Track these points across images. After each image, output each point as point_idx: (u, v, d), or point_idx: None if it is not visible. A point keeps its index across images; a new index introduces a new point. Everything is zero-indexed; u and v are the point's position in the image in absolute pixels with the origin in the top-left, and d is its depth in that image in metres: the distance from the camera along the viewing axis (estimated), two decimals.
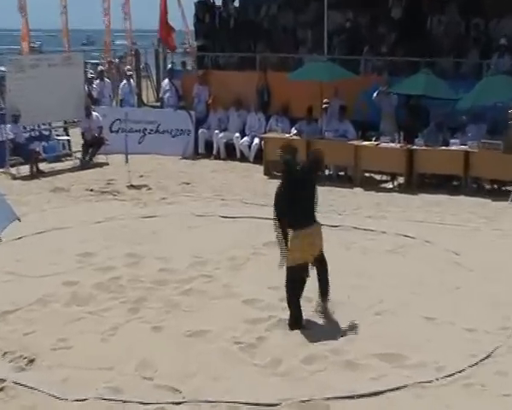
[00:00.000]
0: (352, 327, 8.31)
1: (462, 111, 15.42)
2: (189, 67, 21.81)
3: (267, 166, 16.68)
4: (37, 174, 16.51)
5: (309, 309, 8.82)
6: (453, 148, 15.00)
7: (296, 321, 8.28)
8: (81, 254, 10.79)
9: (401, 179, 15.60)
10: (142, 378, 7.22)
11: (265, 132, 17.55)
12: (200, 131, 18.67)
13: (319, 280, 8.60)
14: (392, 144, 15.72)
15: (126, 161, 15.88)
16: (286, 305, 8.89)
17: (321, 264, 8.54)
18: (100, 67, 23.05)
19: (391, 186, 15.68)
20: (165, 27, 20.64)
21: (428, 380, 7.09)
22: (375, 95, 16.47)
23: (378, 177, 16.23)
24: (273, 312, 8.68)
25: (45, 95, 17.28)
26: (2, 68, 20.65)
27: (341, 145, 15.93)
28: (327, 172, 16.74)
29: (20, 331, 8.25)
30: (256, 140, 17.85)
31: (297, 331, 8.23)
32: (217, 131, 18.49)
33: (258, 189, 15.34)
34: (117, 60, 26.29)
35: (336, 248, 11.12)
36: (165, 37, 20.92)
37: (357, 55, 18.39)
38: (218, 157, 18.38)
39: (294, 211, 8.16)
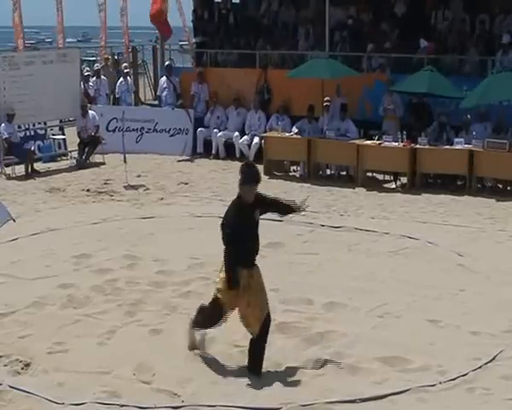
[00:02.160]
0: (354, 331, 8.18)
1: (466, 109, 15.27)
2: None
3: (267, 165, 16.55)
4: (32, 174, 16.36)
5: (309, 311, 8.71)
6: (457, 147, 14.87)
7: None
8: (77, 255, 10.70)
9: (404, 179, 15.49)
10: (139, 382, 7.11)
11: (265, 131, 17.41)
12: (199, 130, 18.53)
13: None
14: (395, 143, 15.63)
15: (124, 160, 15.74)
16: (286, 307, 8.79)
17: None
18: (96, 65, 22.91)
19: (394, 186, 15.57)
20: (160, 10, 20.12)
21: (432, 384, 7.02)
22: (380, 110, 16.44)
23: (380, 177, 16.12)
24: (273, 315, 8.46)
25: (40, 93, 17.19)
26: None
27: (343, 144, 15.81)
28: (328, 171, 16.66)
29: (15, 335, 8.14)
30: (256, 139, 17.72)
31: (298, 335, 8.12)
32: (216, 130, 18.35)
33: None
34: (116, 57, 26.16)
35: (338, 249, 11.12)
36: (161, 23, 20.45)
37: (359, 53, 18.24)
38: (217, 157, 18.26)
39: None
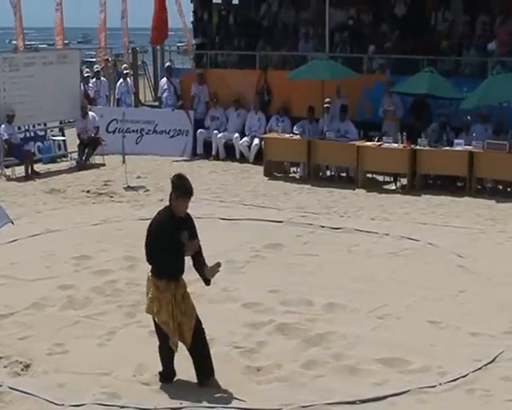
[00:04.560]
0: (354, 332, 8.17)
1: (466, 111, 15.25)
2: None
3: (267, 166, 16.55)
4: (32, 175, 16.35)
5: (309, 312, 8.70)
6: (457, 148, 14.85)
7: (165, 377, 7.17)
8: (77, 256, 10.70)
9: (404, 180, 15.47)
10: (139, 383, 7.10)
11: (266, 132, 17.40)
12: (199, 131, 18.53)
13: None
14: (395, 145, 15.62)
15: (123, 161, 15.74)
16: (286, 308, 8.81)
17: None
18: (96, 67, 22.92)
19: (394, 188, 15.56)
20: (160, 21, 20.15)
21: (431, 385, 7.01)
22: (380, 111, 16.45)
23: (380, 178, 16.10)
24: (273, 316, 8.59)
25: (40, 94, 17.20)
26: None
27: (343, 146, 15.80)
28: (328, 172, 16.65)
29: (15, 336, 8.14)
30: (256, 140, 17.71)
31: (298, 336, 8.11)
32: (216, 132, 18.34)
33: (257, 190, 15.23)
34: (115, 58, 26.20)
35: (338, 250, 11.10)
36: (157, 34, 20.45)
37: (360, 54, 18.25)
38: (217, 158, 18.25)
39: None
